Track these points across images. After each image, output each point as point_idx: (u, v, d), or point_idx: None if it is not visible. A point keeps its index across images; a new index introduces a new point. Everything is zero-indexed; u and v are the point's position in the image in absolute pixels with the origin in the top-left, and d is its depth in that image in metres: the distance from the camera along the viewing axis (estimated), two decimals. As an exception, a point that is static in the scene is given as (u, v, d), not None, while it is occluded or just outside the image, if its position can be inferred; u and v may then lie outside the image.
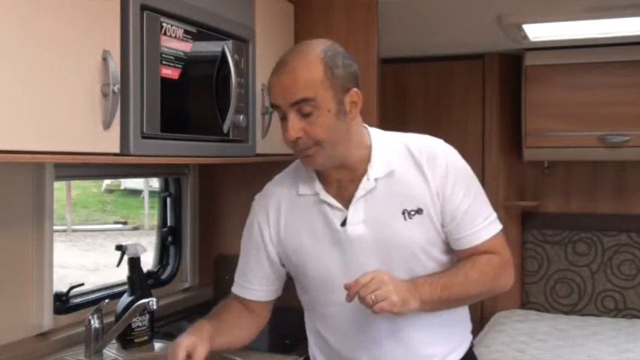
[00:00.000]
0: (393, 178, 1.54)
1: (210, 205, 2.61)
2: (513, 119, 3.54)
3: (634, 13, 2.53)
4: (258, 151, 2.13)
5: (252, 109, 2.07)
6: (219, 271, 2.59)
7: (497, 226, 1.59)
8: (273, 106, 1.51)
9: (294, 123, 1.46)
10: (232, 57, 1.89)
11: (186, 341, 1.49)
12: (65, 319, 1.95)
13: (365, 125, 1.61)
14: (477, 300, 1.65)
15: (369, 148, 1.56)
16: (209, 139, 1.88)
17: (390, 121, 3.49)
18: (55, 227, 1.93)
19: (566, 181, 3.62)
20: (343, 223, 1.55)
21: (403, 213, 1.53)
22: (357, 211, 1.54)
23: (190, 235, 2.55)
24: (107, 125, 1.47)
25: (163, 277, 2.48)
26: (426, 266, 1.55)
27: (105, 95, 1.46)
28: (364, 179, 1.54)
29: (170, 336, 2.16)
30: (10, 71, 1.25)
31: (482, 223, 1.56)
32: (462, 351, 1.65)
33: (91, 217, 11.27)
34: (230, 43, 1.91)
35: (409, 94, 3.63)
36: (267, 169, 2.48)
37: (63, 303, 1.97)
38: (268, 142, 2.19)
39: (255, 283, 1.68)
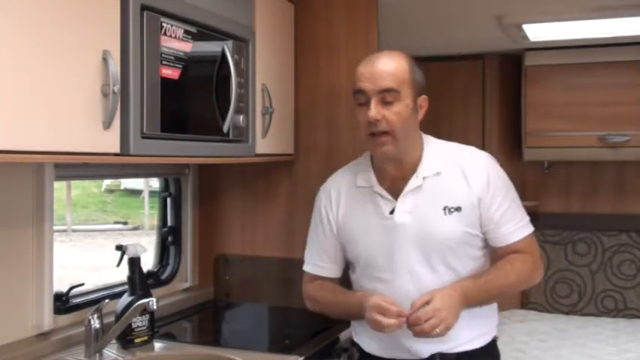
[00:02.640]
0: (439, 179, 1.78)
1: (210, 205, 2.61)
2: (513, 119, 3.54)
3: (634, 13, 2.53)
4: (258, 151, 2.13)
5: (252, 109, 2.07)
6: (219, 271, 2.59)
7: (530, 229, 1.85)
8: (358, 91, 1.74)
9: (377, 107, 1.71)
10: (232, 57, 1.89)
11: (376, 297, 1.71)
12: (65, 319, 1.95)
13: (420, 132, 1.85)
14: (512, 295, 1.88)
15: (421, 151, 1.81)
16: (209, 139, 1.88)
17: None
18: (55, 227, 1.93)
19: (566, 181, 3.62)
20: (392, 212, 1.79)
21: (444, 209, 1.76)
22: (404, 203, 1.79)
23: (190, 235, 2.54)
24: (107, 125, 1.48)
25: (163, 277, 2.48)
26: (460, 258, 1.78)
27: (105, 95, 1.46)
28: (413, 177, 1.79)
29: (170, 336, 2.17)
30: (10, 71, 1.25)
31: (516, 224, 1.81)
32: (484, 340, 1.84)
33: (91, 217, 11.27)
34: (230, 43, 1.91)
35: (409, 94, 3.63)
36: (267, 169, 2.49)
37: (63, 303, 1.97)
38: (268, 142, 2.19)
39: (327, 261, 1.93)
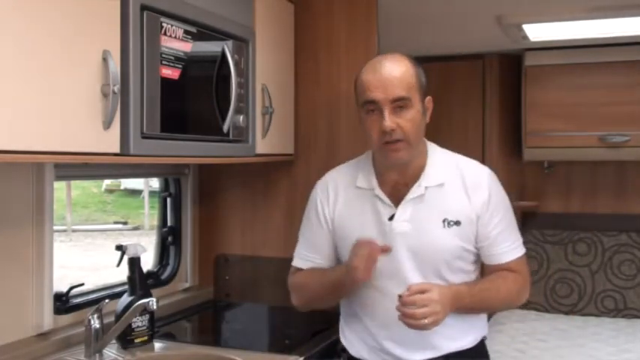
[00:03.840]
0: (441, 190, 1.76)
1: (210, 205, 2.61)
2: (513, 119, 3.53)
3: (634, 13, 2.53)
4: (258, 151, 2.13)
5: (252, 109, 2.07)
6: (219, 271, 2.59)
7: (522, 250, 1.86)
8: (368, 102, 1.70)
9: (392, 116, 1.67)
10: (232, 57, 1.89)
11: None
12: (65, 319, 1.95)
13: (424, 138, 1.81)
14: (496, 311, 1.88)
15: (425, 158, 1.79)
16: (209, 139, 1.88)
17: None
18: (55, 227, 1.93)
19: (566, 181, 3.62)
20: (390, 219, 1.76)
21: (444, 221, 1.74)
22: (404, 211, 1.76)
23: (190, 235, 2.54)
24: (107, 125, 1.48)
25: (163, 277, 2.48)
26: (453, 272, 1.77)
27: (105, 95, 1.46)
28: (416, 185, 1.76)
29: (170, 336, 2.17)
30: (10, 71, 1.26)
31: (510, 245, 1.81)
32: (472, 341, 1.82)
33: (91, 217, 11.26)
34: (230, 43, 1.91)
35: (409, 94, 3.63)
36: (267, 169, 2.49)
37: (63, 303, 1.97)
38: (268, 142, 2.19)
39: (318, 257, 1.88)
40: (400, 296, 1.63)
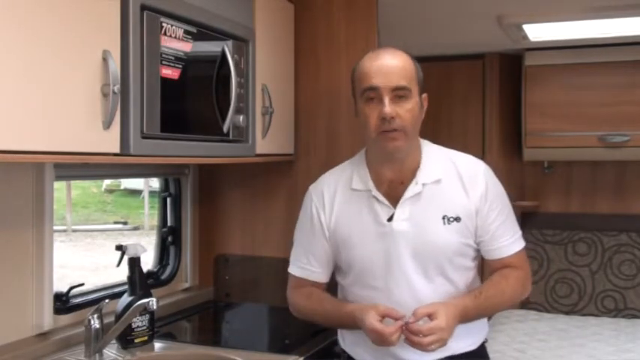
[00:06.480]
0: (438, 187, 1.74)
1: (210, 205, 2.61)
2: (513, 119, 3.54)
3: (634, 13, 2.53)
4: (258, 151, 2.13)
5: (252, 109, 2.07)
6: (219, 271, 2.59)
7: (522, 243, 1.84)
8: (370, 88, 1.69)
9: (392, 105, 1.67)
10: (232, 57, 1.89)
11: (371, 318, 1.63)
12: (65, 319, 1.95)
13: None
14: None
15: (420, 155, 1.77)
16: (209, 139, 1.88)
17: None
18: (55, 227, 1.93)
19: (566, 181, 3.62)
20: (390, 219, 1.73)
21: (443, 218, 1.72)
22: (403, 210, 1.73)
23: (190, 235, 2.54)
24: (107, 125, 1.48)
25: (163, 277, 2.48)
26: (456, 269, 1.75)
27: (105, 95, 1.46)
28: (413, 183, 1.74)
29: (170, 336, 2.17)
30: (10, 71, 1.26)
31: (510, 238, 1.80)
32: (473, 345, 1.81)
33: (91, 217, 11.26)
34: (230, 43, 1.91)
35: (409, 94, 3.63)
36: (267, 169, 2.49)
37: (63, 303, 1.97)
38: (268, 142, 2.19)
39: (316, 266, 1.84)
40: (407, 323, 1.61)
